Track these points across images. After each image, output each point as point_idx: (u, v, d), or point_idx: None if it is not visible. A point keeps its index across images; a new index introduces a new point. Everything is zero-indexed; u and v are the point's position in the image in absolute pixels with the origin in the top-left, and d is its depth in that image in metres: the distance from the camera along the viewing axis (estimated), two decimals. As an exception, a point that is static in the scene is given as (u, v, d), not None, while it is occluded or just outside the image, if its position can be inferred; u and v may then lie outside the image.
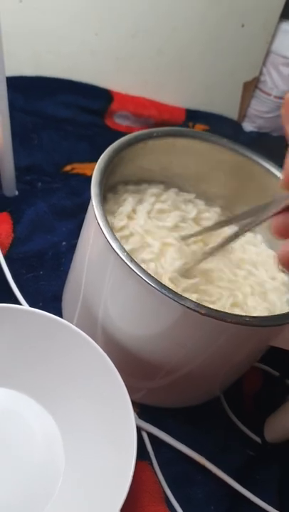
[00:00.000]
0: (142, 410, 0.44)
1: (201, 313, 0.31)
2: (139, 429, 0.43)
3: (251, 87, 0.77)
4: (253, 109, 0.79)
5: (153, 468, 0.41)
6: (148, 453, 0.42)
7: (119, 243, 0.33)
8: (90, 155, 0.67)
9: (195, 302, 0.32)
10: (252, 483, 0.42)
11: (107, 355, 0.36)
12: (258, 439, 0.45)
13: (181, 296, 0.32)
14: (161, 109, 0.74)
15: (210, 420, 0.46)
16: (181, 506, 0.39)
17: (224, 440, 0.45)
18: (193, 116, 0.76)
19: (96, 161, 0.38)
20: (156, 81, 0.74)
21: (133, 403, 0.44)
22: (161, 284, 0.32)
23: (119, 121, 0.74)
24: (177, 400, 0.45)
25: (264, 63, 0.75)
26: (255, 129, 0.80)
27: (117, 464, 0.33)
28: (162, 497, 0.40)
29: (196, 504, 0.40)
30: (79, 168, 0.65)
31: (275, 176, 0.42)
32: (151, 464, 0.41)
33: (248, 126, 0.81)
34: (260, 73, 0.76)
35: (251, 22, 0.71)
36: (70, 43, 0.67)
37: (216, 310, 0.32)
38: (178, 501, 0.40)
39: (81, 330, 0.37)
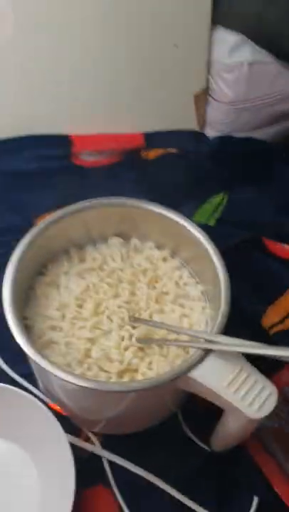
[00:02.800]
0: (105, 439, 0.54)
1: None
2: (100, 458, 0.52)
3: (203, 97, 0.80)
4: (211, 116, 0.82)
5: (112, 491, 0.50)
6: (108, 477, 0.51)
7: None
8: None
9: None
10: (196, 492, 0.51)
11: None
12: (208, 449, 0.53)
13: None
14: (119, 140, 0.80)
15: (166, 437, 0.54)
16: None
17: (179, 454, 0.53)
18: (151, 139, 0.81)
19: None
20: (110, 114, 0.80)
21: (96, 433, 0.53)
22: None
23: (85, 158, 0.81)
24: (132, 427, 0.54)
25: (210, 73, 0.78)
26: (219, 134, 0.83)
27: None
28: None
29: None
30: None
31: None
32: (110, 488, 0.51)
33: (211, 132, 0.84)
34: (209, 83, 0.79)
35: (183, 40, 0.74)
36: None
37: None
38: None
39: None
